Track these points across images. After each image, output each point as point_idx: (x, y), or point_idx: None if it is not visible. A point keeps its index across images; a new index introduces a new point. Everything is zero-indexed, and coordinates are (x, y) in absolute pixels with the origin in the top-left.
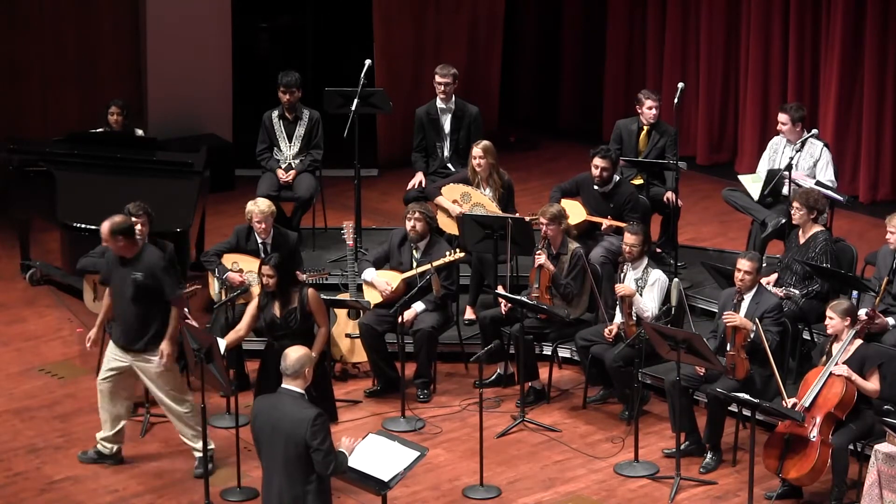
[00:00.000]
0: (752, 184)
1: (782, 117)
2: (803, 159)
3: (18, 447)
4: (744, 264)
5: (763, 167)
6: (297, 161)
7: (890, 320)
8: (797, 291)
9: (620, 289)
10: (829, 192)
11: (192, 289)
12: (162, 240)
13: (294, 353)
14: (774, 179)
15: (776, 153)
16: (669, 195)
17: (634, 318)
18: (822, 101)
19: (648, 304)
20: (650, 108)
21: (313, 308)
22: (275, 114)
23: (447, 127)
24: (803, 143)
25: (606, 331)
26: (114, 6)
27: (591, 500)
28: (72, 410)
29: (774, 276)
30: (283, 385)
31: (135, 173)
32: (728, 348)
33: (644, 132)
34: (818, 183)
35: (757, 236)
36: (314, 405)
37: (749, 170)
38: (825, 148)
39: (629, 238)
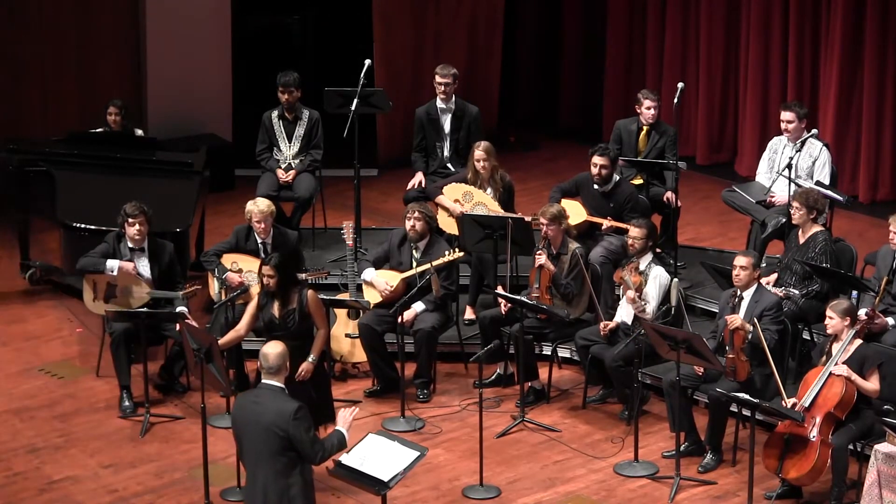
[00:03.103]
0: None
1: (788, 115)
2: (802, 159)
3: (18, 447)
4: (740, 260)
5: (763, 168)
6: (296, 161)
7: (890, 320)
8: (797, 291)
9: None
10: (829, 192)
11: (192, 289)
12: (162, 240)
13: (273, 350)
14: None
15: (776, 153)
16: (669, 195)
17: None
18: (822, 101)
19: (648, 298)
20: (648, 109)
21: (312, 310)
22: (274, 114)
23: (447, 127)
24: (803, 143)
25: (602, 325)
26: (114, 6)
27: (590, 500)
28: (71, 410)
29: (774, 276)
30: (262, 381)
31: (135, 173)
32: (727, 351)
33: (644, 132)
34: (818, 183)
35: (757, 236)
36: (296, 399)
37: (749, 170)
38: (825, 148)
39: (634, 231)
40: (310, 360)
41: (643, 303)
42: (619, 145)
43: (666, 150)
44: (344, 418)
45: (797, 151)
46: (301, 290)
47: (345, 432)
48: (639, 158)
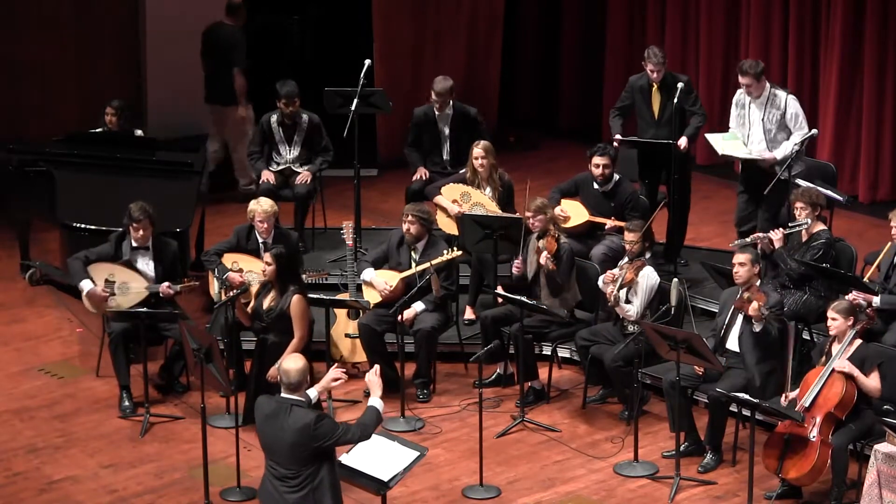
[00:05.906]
0: (724, 142)
1: (746, 80)
2: (770, 113)
3: (18, 447)
4: (738, 257)
5: (733, 124)
6: (297, 164)
7: (875, 299)
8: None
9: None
10: (829, 192)
11: (189, 283)
12: (167, 238)
13: (294, 366)
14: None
15: (744, 108)
16: (682, 142)
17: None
18: (822, 100)
19: (633, 295)
20: (652, 72)
21: (293, 313)
22: (273, 118)
23: (446, 129)
24: (768, 100)
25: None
26: (114, 6)
27: (590, 500)
28: (71, 410)
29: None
30: (282, 394)
31: (134, 173)
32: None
33: (655, 89)
34: (817, 183)
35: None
36: (313, 408)
37: None
38: (790, 97)
39: (628, 235)
40: (276, 365)
41: (624, 300)
42: (633, 101)
43: (682, 102)
44: (376, 381)
45: (764, 106)
46: (292, 294)
47: (378, 406)
48: (636, 138)
